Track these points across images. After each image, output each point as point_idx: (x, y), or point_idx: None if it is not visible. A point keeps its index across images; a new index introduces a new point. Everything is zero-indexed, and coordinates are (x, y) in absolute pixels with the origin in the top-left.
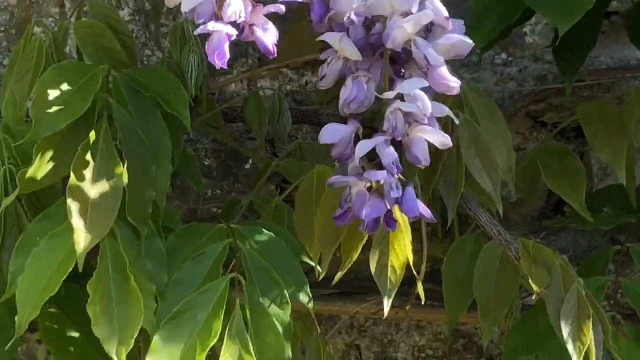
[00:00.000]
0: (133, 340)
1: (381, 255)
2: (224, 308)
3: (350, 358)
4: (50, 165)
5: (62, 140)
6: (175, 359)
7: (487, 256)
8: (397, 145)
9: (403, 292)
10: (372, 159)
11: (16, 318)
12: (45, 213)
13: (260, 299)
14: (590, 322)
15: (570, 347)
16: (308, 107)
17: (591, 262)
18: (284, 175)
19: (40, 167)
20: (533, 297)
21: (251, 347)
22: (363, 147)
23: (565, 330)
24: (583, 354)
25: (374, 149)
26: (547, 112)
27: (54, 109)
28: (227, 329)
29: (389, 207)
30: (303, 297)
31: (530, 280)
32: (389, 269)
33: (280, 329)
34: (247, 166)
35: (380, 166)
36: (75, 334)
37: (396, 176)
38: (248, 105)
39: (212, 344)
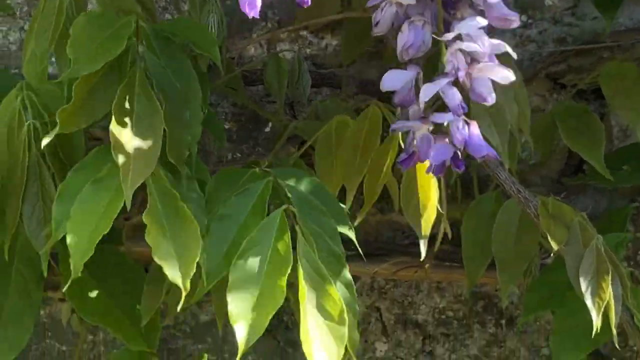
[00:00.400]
0: (194, 267)
1: (411, 195)
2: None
3: (371, 320)
4: (88, 107)
5: (97, 84)
6: (255, 295)
7: (506, 214)
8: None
9: (419, 253)
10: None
11: (70, 261)
12: (82, 162)
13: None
14: (610, 278)
15: (589, 302)
16: (327, 70)
17: (610, 219)
18: (303, 137)
19: (80, 107)
20: (551, 255)
21: (324, 270)
22: (428, 91)
23: (584, 286)
24: (602, 309)
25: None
26: (567, 74)
27: (90, 49)
28: (297, 255)
29: (456, 149)
30: (343, 228)
31: (549, 238)
32: (420, 207)
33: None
34: (267, 129)
35: (442, 108)
36: (98, 291)
37: (462, 117)
38: (268, 67)
39: (288, 271)
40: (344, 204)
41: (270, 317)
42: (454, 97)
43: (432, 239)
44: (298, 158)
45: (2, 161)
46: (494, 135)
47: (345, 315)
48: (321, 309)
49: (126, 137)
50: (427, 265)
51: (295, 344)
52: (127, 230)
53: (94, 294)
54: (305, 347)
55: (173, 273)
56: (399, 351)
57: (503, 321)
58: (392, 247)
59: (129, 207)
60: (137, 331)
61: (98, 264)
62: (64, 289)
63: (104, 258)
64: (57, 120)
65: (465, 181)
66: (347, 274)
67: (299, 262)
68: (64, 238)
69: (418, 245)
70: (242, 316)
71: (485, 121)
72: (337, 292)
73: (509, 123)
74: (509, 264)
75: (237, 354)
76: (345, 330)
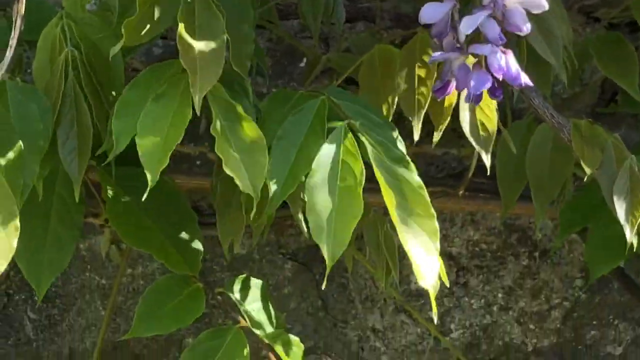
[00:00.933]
0: (264, 176)
1: (470, 116)
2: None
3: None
4: (149, 20)
5: None
6: (333, 210)
7: (539, 138)
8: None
9: (453, 184)
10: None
11: (146, 172)
12: (136, 80)
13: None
14: None
15: (623, 220)
16: (362, 4)
17: None
18: (337, 69)
19: (142, 21)
20: (585, 179)
21: (398, 171)
22: (468, 24)
23: (618, 205)
24: (636, 227)
25: None
26: (600, 7)
27: None
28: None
29: (494, 78)
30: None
31: (582, 162)
32: (480, 126)
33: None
34: (302, 65)
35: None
36: (141, 217)
37: (500, 47)
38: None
39: (362, 180)
40: None
41: (352, 229)
42: (493, 28)
43: (465, 170)
44: (336, 86)
45: (47, 89)
46: (546, 51)
47: (432, 210)
48: (406, 208)
49: (192, 43)
50: (460, 192)
51: (331, 277)
52: None
53: (137, 219)
54: (405, 246)
55: (244, 183)
56: None
57: (537, 253)
58: (426, 180)
59: (198, 112)
60: (180, 256)
61: (139, 188)
62: (107, 213)
63: (144, 182)
64: (123, 32)
65: (498, 113)
66: (416, 177)
67: (375, 168)
68: (107, 164)
69: (453, 177)
70: (325, 233)
71: (537, 39)
72: (418, 189)
73: (560, 39)
74: (544, 187)
75: (274, 286)
76: (436, 223)
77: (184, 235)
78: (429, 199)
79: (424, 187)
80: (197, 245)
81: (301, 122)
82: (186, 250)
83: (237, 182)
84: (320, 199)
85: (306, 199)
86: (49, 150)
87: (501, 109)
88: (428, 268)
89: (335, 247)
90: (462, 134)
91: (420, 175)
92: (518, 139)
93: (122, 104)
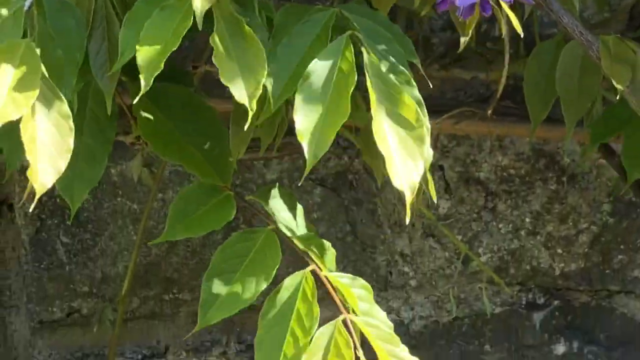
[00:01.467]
0: (260, 88)
1: None
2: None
3: (434, 178)
4: None
5: None
6: (320, 112)
7: (569, 54)
8: None
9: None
10: None
11: (141, 77)
12: None
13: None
14: None
15: None
16: None
17: None
18: None
19: None
20: (617, 98)
21: (394, 80)
22: None
23: None
24: None
25: None
26: None
27: None
28: (365, 71)
29: None
30: (411, 57)
31: (612, 78)
32: None
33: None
34: None
35: None
36: (171, 130)
37: None
38: None
39: (352, 87)
40: None
41: (335, 132)
42: None
43: (493, 94)
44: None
45: (79, 3)
46: None
47: (422, 117)
48: (396, 116)
49: None
50: (489, 112)
51: (360, 202)
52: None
53: (169, 132)
54: (383, 149)
55: (239, 93)
56: (461, 208)
57: (564, 178)
58: (455, 104)
59: (200, 26)
60: (210, 166)
61: (170, 103)
62: (138, 127)
63: (175, 98)
64: None
65: (527, 37)
66: (416, 92)
67: (367, 76)
68: (133, 67)
69: (481, 102)
70: (309, 132)
71: None
72: (410, 98)
73: None
74: (574, 101)
75: (305, 211)
76: (424, 131)
77: (215, 148)
78: (425, 116)
79: (423, 104)
80: (228, 158)
81: (308, 32)
82: (217, 162)
83: (232, 92)
84: (310, 102)
85: (296, 99)
86: (82, 65)
87: (530, 35)
88: (408, 170)
89: (317, 149)
90: (490, 59)
91: (449, 99)
92: (548, 58)
93: (132, 15)
